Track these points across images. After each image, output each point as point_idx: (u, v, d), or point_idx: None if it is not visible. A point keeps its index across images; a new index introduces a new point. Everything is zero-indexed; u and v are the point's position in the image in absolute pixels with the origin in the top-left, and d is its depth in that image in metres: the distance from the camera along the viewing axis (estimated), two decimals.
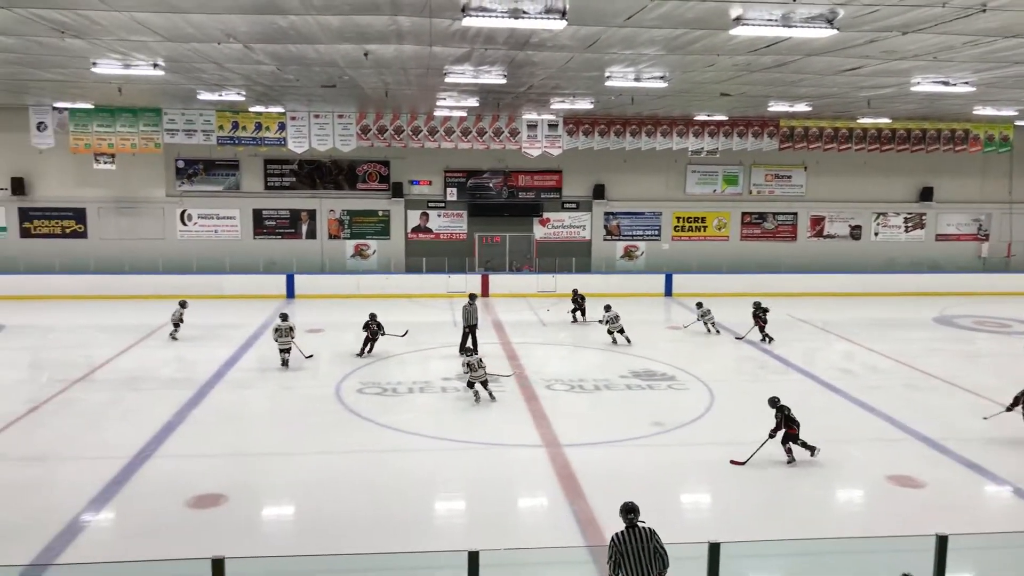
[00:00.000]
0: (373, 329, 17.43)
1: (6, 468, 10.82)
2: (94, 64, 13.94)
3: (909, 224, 28.78)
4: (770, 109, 21.33)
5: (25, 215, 25.41)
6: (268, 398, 14.53)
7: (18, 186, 24.99)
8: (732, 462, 11.13)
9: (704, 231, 28.11)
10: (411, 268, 26.74)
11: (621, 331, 18.76)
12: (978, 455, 11.51)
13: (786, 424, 11.14)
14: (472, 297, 18.07)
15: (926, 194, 28.39)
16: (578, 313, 21.61)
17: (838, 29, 10.04)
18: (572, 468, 10.96)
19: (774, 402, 11.41)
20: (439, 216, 27.08)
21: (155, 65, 14.07)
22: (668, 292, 26.48)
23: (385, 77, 15.88)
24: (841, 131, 25.61)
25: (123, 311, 21.72)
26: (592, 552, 8.45)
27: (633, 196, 27.61)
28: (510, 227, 27.24)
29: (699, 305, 20.64)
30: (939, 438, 12.26)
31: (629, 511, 6.45)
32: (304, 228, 26.66)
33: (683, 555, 6.56)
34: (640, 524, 6.40)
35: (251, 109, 22.81)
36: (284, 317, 16.50)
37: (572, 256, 27.22)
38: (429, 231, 27.14)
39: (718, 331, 20.14)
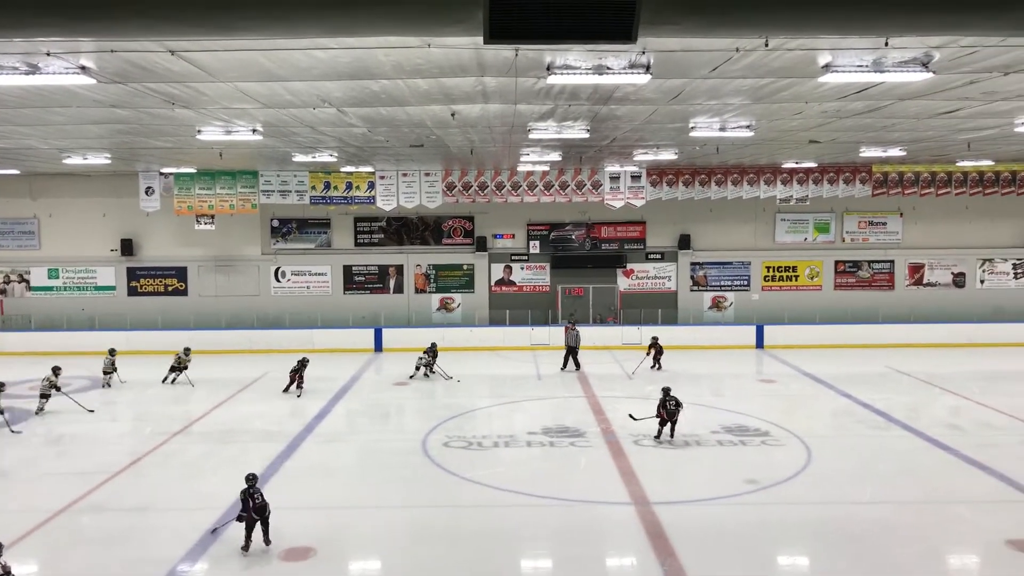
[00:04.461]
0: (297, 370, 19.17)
1: (109, 518, 11.23)
2: (199, 131, 14.80)
3: (1019, 271, 27.25)
4: (862, 155, 20.75)
5: (132, 274, 26.93)
6: (356, 451, 14.71)
7: (127, 247, 26.58)
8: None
9: (795, 281, 27.33)
10: (495, 321, 26.91)
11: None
12: None
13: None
14: (572, 321, 22.64)
15: None
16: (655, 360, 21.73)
17: (934, 72, 9.73)
18: (662, 526, 10.61)
19: None
20: (522, 269, 27.28)
21: (254, 130, 14.82)
22: (759, 344, 25.72)
23: (471, 135, 16.25)
24: (939, 175, 24.61)
25: (218, 365, 22.54)
26: None
27: (720, 246, 27.17)
28: (593, 279, 27.16)
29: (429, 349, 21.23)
30: None
31: None
32: (392, 283, 27.29)
33: None
34: None
35: (342, 169, 23.70)
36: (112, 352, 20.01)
37: (658, 307, 26.86)
38: (512, 284, 27.32)
39: (426, 374, 20.64)
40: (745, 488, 12.19)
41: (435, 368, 20.70)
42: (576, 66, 9.39)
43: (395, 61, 9.48)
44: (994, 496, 11.82)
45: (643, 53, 9.06)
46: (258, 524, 9.94)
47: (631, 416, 15.15)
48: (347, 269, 27.21)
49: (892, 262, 27.32)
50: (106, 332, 25.59)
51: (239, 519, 9.93)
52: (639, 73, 9.53)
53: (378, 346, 25.57)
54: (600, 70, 9.40)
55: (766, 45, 8.79)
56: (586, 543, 10.28)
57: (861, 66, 9.63)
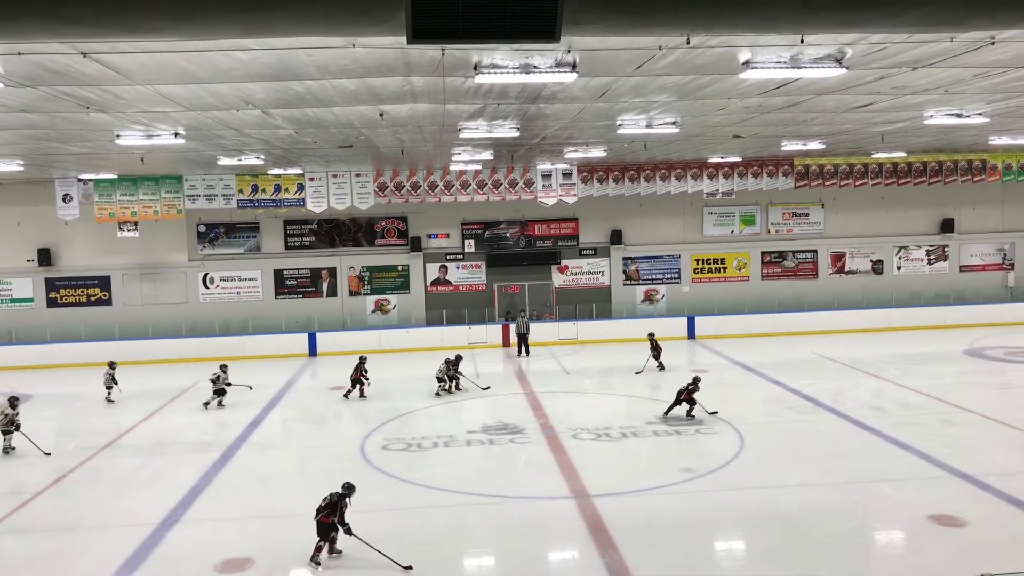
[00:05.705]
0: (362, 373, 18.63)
1: (33, 540, 10.79)
2: (118, 136, 14.30)
3: (932, 256, 28.52)
4: (783, 148, 21.38)
5: (51, 285, 25.85)
6: (293, 458, 14.47)
7: (44, 257, 25.50)
8: None
9: (724, 272, 28.00)
10: (431, 321, 26.79)
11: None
12: (1020, 490, 11.20)
13: None
14: (523, 312, 24.73)
15: (947, 225, 28.20)
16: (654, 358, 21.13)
17: (847, 68, 10.08)
18: (603, 519, 10.75)
19: None
20: (457, 268, 27.22)
21: (176, 134, 14.40)
22: (691, 335, 26.27)
23: (401, 135, 16.13)
24: (856, 167, 25.55)
25: (148, 376, 21.86)
26: None
27: (650, 240, 27.62)
28: (528, 276, 27.29)
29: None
30: (979, 474, 11.94)
31: None
32: (325, 286, 26.87)
33: None
34: None
35: (270, 172, 23.23)
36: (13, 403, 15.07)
37: (592, 302, 27.17)
38: (448, 283, 27.24)
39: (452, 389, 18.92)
40: (682, 477, 12.45)
41: (461, 379, 19.09)
42: (503, 65, 9.41)
43: (319, 62, 9.34)
44: (915, 473, 12.37)
45: (568, 52, 9.14)
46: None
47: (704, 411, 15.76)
48: (278, 273, 26.68)
49: (815, 251, 28.24)
50: (25, 346, 24.61)
51: (346, 532, 9.75)
52: (565, 72, 9.61)
53: (312, 351, 25.18)
54: (527, 69, 9.44)
55: (688, 43, 8.97)
56: (528, 539, 10.35)
57: (779, 62, 9.91)
